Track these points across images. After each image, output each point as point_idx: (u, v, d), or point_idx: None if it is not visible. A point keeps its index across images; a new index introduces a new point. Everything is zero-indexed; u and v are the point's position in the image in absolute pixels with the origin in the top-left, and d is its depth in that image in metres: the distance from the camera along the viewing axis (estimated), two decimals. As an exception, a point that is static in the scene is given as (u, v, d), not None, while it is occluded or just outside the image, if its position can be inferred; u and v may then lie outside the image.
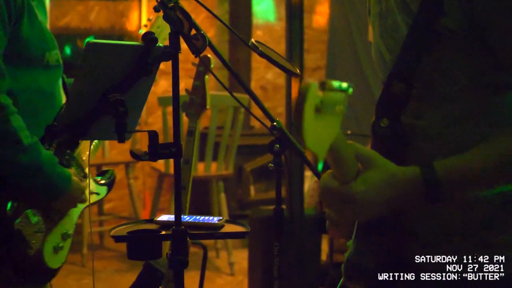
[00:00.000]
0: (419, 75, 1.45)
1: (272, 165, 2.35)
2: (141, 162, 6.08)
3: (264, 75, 7.36)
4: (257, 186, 6.45)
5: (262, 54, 2.32)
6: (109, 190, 2.82)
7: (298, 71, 2.43)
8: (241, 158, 6.26)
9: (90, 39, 1.81)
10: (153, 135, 1.77)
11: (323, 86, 1.19)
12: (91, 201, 2.65)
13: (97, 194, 2.75)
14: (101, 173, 2.85)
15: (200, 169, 5.33)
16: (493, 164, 1.39)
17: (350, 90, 1.23)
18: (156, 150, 1.76)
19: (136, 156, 1.79)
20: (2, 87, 2.31)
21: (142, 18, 6.49)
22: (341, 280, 1.57)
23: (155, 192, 5.55)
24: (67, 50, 6.29)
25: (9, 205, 2.35)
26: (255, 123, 6.89)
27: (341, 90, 1.22)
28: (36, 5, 2.46)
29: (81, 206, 2.61)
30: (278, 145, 2.31)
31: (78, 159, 2.58)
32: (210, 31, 6.82)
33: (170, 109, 5.31)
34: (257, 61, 6.98)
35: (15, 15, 2.33)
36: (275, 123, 2.32)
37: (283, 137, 2.32)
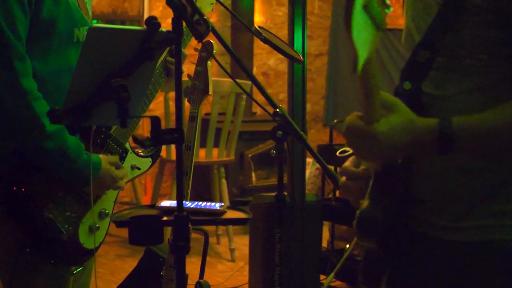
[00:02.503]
0: (444, 46, 1.52)
1: (274, 151, 2.34)
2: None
3: (266, 61, 7.34)
4: (258, 173, 6.44)
5: (265, 40, 2.31)
6: (153, 162, 2.73)
7: (301, 57, 2.42)
8: (243, 144, 6.26)
9: (93, 24, 1.79)
10: (155, 120, 1.76)
11: None
12: (132, 176, 2.63)
13: (138, 168, 2.68)
14: (137, 140, 2.75)
15: (201, 155, 5.32)
16: (507, 124, 1.45)
17: (391, 8, 1.31)
18: (158, 136, 1.75)
19: (138, 141, 1.78)
20: (24, 70, 2.28)
21: (144, 3, 6.47)
22: (354, 240, 1.62)
23: (156, 178, 5.55)
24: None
25: (38, 194, 2.34)
26: (256, 109, 6.88)
27: (384, 1, 1.28)
28: None
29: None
30: (280, 132, 2.31)
31: (117, 135, 2.56)
32: (212, 16, 6.81)
33: (171, 94, 5.33)
34: (259, 47, 6.96)
35: None
36: (277, 110, 2.31)
37: (286, 123, 2.32)
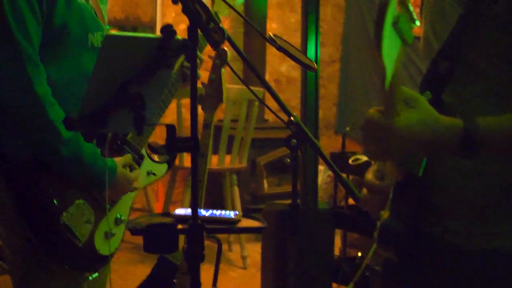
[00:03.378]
0: (464, 56, 1.53)
1: (288, 160, 2.33)
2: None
3: (278, 68, 7.34)
4: (270, 180, 6.43)
5: (280, 48, 2.30)
6: (169, 168, 2.74)
7: (315, 65, 2.41)
8: (255, 151, 6.25)
9: (110, 32, 1.79)
10: (170, 129, 1.76)
11: (402, 3, 1.27)
12: (147, 182, 2.63)
13: (154, 174, 2.68)
14: (152, 148, 2.75)
15: (214, 162, 5.31)
16: None
17: (418, 23, 1.31)
18: (173, 144, 1.75)
19: (153, 149, 1.78)
20: (38, 76, 2.28)
21: (156, 9, 6.48)
22: (373, 247, 1.63)
23: (168, 184, 5.55)
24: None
25: (55, 200, 2.35)
26: (269, 116, 6.87)
27: (411, 17, 1.29)
28: None
29: (135, 192, 2.58)
30: (295, 140, 2.30)
31: (133, 141, 2.55)
32: (225, 22, 6.81)
33: (184, 101, 5.33)
34: (271, 53, 6.96)
35: (46, 2, 2.30)
36: (292, 118, 2.31)
37: (300, 132, 2.31)
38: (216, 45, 1.91)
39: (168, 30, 1.84)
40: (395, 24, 1.25)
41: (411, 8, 1.30)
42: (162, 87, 2.02)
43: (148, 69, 1.86)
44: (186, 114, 5.51)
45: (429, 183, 1.56)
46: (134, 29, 6.61)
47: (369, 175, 1.66)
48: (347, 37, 7.49)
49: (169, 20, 6.52)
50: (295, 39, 6.56)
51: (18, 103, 2.27)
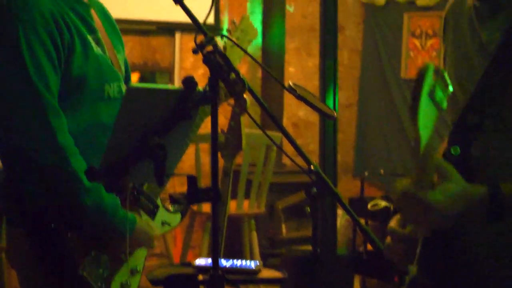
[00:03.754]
0: (492, 108, 1.54)
1: (308, 209, 2.33)
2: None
3: (296, 112, 7.35)
4: (288, 224, 6.41)
5: (299, 97, 2.31)
6: (182, 217, 2.73)
7: (334, 114, 2.42)
8: (273, 195, 6.23)
9: (132, 85, 1.81)
10: (191, 180, 1.77)
11: (437, 72, 1.30)
12: (162, 232, 2.62)
13: (168, 224, 2.67)
14: (174, 199, 2.76)
15: (232, 206, 5.30)
16: None
17: (451, 88, 1.34)
18: (195, 195, 1.76)
19: (175, 200, 1.79)
20: (60, 126, 2.30)
21: (175, 54, 6.52)
22: None
23: (186, 230, 5.53)
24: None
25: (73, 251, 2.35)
26: (286, 161, 6.87)
27: (446, 84, 1.30)
28: (95, 38, 2.45)
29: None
30: (315, 189, 2.29)
31: (148, 190, 2.55)
32: (243, 67, 6.85)
33: (202, 146, 5.32)
34: (289, 98, 6.97)
35: (64, 53, 2.32)
36: (312, 167, 2.31)
37: (320, 180, 2.31)
38: (237, 96, 1.93)
39: (189, 81, 1.86)
40: (431, 93, 1.27)
41: (446, 75, 1.31)
42: (183, 138, 2.04)
43: (169, 120, 1.88)
44: (205, 159, 5.54)
45: (458, 238, 1.56)
46: (152, 74, 6.65)
47: (393, 223, 1.66)
48: (364, 81, 7.51)
49: (187, 65, 6.56)
50: (313, 82, 6.60)
51: (41, 153, 2.28)
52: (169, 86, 2.04)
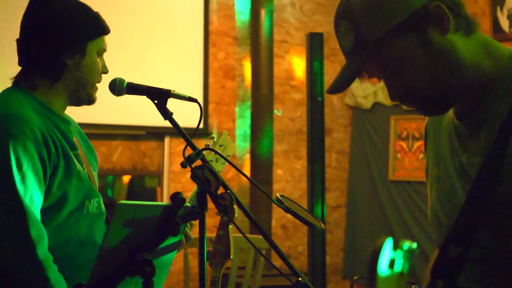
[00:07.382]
0: (476, 240, 1.48)
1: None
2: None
3: (284, 214, 7.33)
4: (278, 328, 6.34)
5: (287, 210, 2.34)
6: None
7: (322, 225, 2.44)
8: (262, 299, 6.18)
9: (121, 201, 1.84)
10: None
11: (396, 244, 1.31)
12: None
13: None
14: None
15: (221, 312, 5.24)
16: None
17: (417, 251, 1.32)
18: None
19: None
20: (40, 239, 2.31)
21: (164, 158, 6.58)
22: None
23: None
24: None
25: None
26: (276, 262, 6.83)
27: (411, 250, 1.29)
28: (76, 154, 2.50)
29: None
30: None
31: None
32: (230, 171, 6.89)
33: (191, 249, 5.26)
34: (277, 200, 6.99)
35: (50, 168, 2.37)
36: (300, 279, 2.32)
37: (309, 291, 2.31)
38: (224, 212, 1.96)
39: (177, 198, 1.89)
40: (391, 265, 1.29)
41: (406, 244, 1.32)
42: (171, 252, 2.05)
43: (157, 236, 1.90)
44: (193, 262, 5.52)
45: None
46: (141, 178, 6.69)
47: None
48: (352, 182, 7.56)
49: (176, 168, 6.60)
50: (302, 184, 6.62)
51: (19, 265, 2.29)
52: (158, 203, 2.07)
